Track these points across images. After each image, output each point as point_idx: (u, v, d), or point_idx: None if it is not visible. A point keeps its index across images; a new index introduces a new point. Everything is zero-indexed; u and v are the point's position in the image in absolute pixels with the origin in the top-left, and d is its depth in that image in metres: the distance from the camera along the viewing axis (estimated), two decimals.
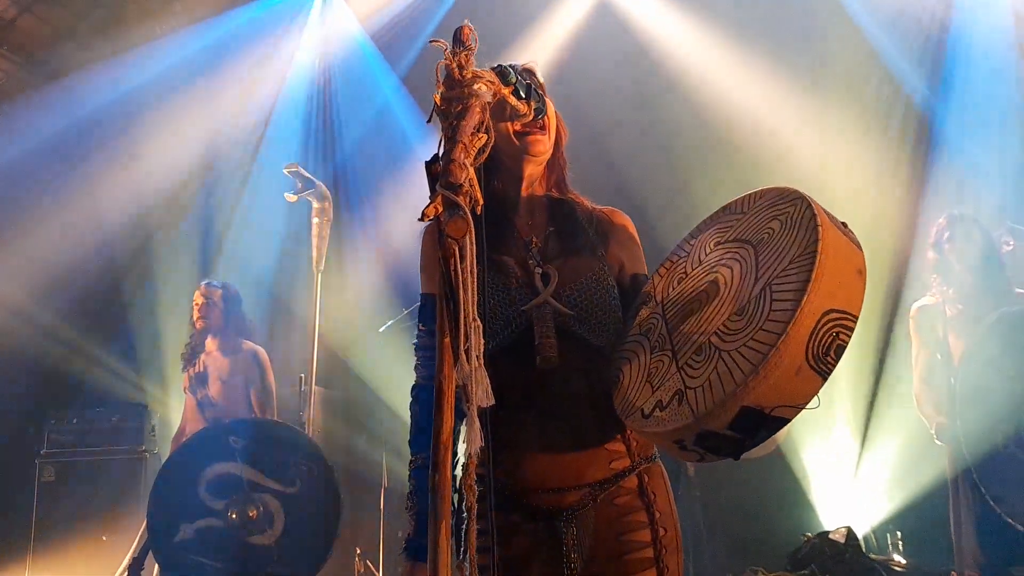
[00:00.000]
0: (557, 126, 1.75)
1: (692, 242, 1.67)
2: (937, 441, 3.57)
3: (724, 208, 1.64)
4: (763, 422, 1.30)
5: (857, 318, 1.31)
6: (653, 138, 5.80)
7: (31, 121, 5.98)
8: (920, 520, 4.67)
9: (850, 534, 4.51)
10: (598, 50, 5.98)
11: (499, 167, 1.72)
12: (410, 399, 1.74)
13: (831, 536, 4.54)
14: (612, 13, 6.16)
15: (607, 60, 5.96)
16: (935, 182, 5.11)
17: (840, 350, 1.29)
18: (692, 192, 5.35)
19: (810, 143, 5.37)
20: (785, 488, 5.32)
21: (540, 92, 1.64)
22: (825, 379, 1.29)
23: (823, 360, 1.28)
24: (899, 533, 4.88)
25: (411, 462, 1.69)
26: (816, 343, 1.27)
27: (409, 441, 1.72)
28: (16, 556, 4.93)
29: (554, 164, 1.78)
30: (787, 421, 1.32)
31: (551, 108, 1.72)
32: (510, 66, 1.56)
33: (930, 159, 5.28)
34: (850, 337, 1.30)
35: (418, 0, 6.47)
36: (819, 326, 1.27)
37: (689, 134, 5.76)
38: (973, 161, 5.05)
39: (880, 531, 5.02)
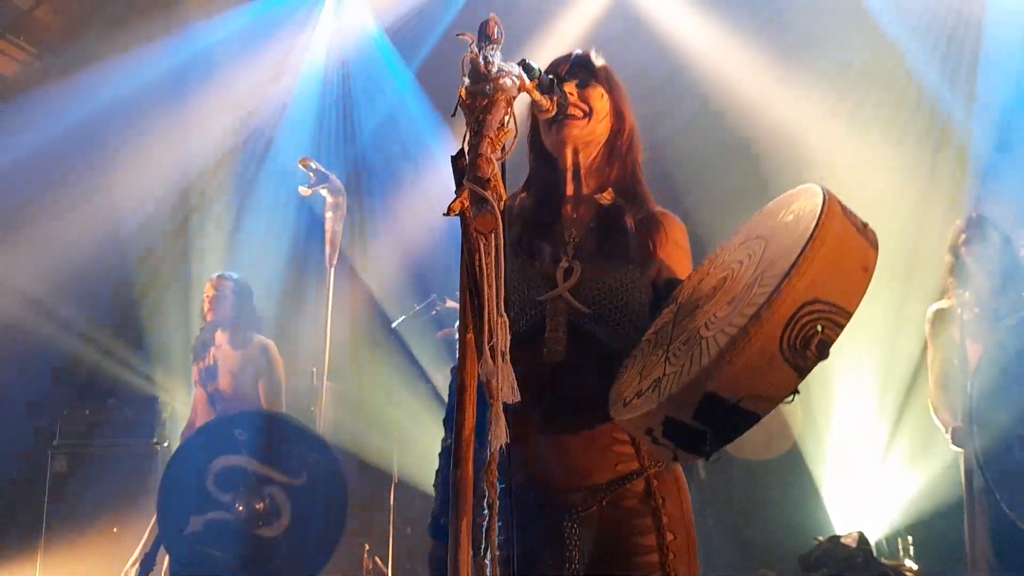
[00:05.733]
0: (616, 116, 1.74)
1: (725, 245, 1.65)
2: (952, 446, 3.55)
3: (760, 211, 1.61)
4: (729, 413, 1.23)
5: (850, 314, 1.23)
6: (671, 143, 5.77)
7: (47, 112, 5.99)
8: (933, 526, 4.65)
9: (862, 539, 4.48)
10: (616, 49, 5.95)
11: (549, 157, 1.74)
12: (450, 379, 1.80)
13: (843, 540, 4.51)
14: (630, 13, 6.14)
15: (625, 59, 5.93)
16: (957, 185, 5.08)
17: (823, 345, 1.20)
18: (713, 200, 5.33)
19: (834, 149, 5.34)
20: (797, 491, 5.29)
21: (563, 88, 1.62)
22: (802, 375, 1.21)
23: (801, 353, 1.19)
24: (910, 538, 4.86)
25: (443, 440, 1.72)
26: (794, 333, 1.19)
27: (444, 420, 1.75)
28: (27, 546, 4.94)
29: (613, 155, 1.75)
30: (758, 417, 1.24)
31: (599, 95, 1.71)
32: (575, 54, 1.61)
33: (954, 163, 5.25)
34: (838, 333, 1.21)
35: None
36: (799, 315, 1.19)
37: (709, 139, 5.74)
38: (994, 164, 5.01)
39: (892, 537, 5.00)
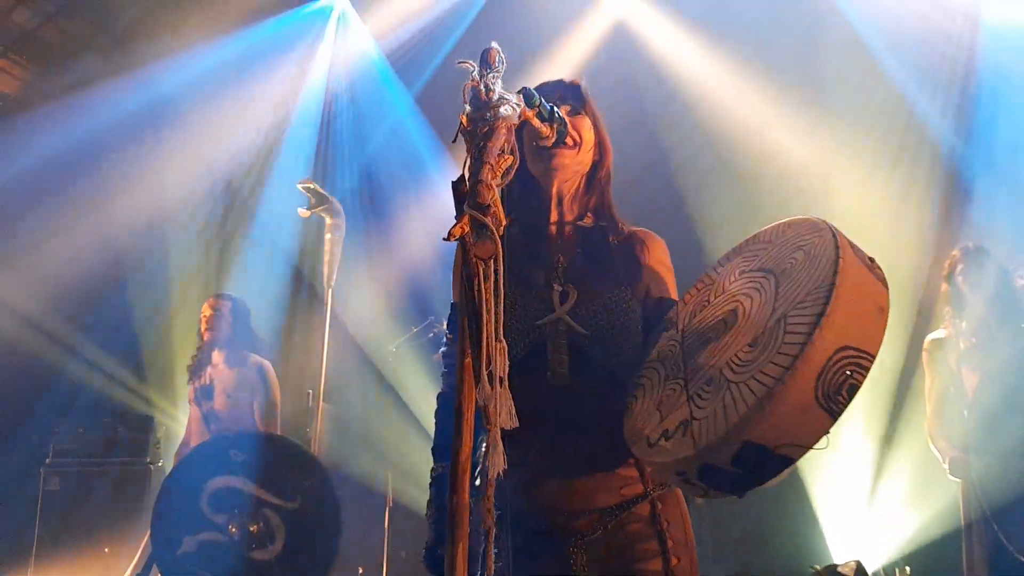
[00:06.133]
0: (599, 146, 1.76)
1: (719, 270, 1.65)
2: (950, 476, 3.53)
3: (753, 237, 1.62)
4: (767, 459, 1.25)
5: (874, 357, 1.26)
6: (666, 165, 5.80)
7: (48, 131, 6.01)
8: (931, 556, 4.61)
9: (859, 568, 4.44)
10: (614, 76, 6.00)
11: (534, 184, 1.74)
12: (436, 406, 1.78)
13: (840, 569, 4.48)
14: (629, 43, 6.19)
15: (624, 86, 5.98)
16: (955, 215, 5.10)
17: (853, 390, 1.23)
18: (704, 221, 5.36)
19: (832, 175, 5.36)
20: (795, 518, 5.26)
21: (563, 116, 1.64)
22: (835, 419, 1.24)
23: (834, 399, 1.23)
24: (908, 569, 4.82)
25: (432, 470, 1.71)
26: (827, 381, 1.22)
27: (432, 448, 1.74)
28: (18, 566, 4.89)
29: (593, 184, 1.78)
30: (793, 461, 1.27)
31: (588, 126, 1.73)
32: (565, 82, 1.64)
33: (948, 192, 5.28)
34: (865, 376, 1.24)
35: (433, 20, 6.52)
36: (831, 363, 1.23)
37: (704, 163, 5.77)
38: (989, 194, 5.04)
39: (890, 566, 4.96)
